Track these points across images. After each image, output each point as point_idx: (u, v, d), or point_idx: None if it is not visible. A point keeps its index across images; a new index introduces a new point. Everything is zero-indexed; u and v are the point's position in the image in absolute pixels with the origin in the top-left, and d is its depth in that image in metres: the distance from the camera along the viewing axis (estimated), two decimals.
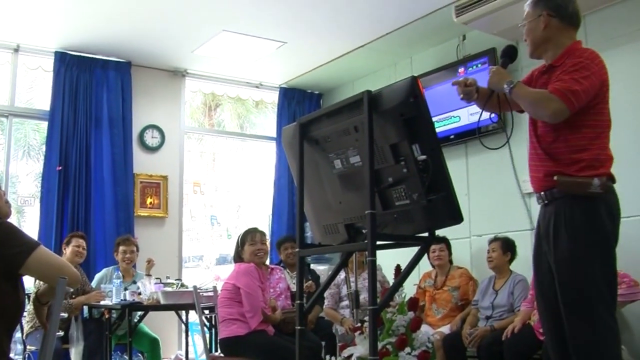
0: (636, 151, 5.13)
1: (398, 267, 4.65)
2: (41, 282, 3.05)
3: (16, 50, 6.95)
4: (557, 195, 3.14)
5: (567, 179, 3.09)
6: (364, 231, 2.77)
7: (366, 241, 2.50)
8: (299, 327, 2.89)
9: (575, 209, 3.08)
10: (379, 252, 2.54)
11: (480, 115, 3.47)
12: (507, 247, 5.59)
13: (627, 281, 4.59)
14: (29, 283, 5.53)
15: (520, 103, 3.21)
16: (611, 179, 3.14)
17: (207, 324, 5.89)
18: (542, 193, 3.23)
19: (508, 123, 6.28)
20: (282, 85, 8.56)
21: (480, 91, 3.37)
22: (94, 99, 7.19)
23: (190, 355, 7.13)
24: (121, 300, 5.67)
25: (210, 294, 5.65)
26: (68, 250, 6.03)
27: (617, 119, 3.27)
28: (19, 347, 5.76)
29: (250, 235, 5.40)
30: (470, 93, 3.35)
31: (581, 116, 3.09)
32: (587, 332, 3.01)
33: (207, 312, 5.86)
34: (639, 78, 5.24)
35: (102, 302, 5.88)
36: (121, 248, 6.40)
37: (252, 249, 5.34)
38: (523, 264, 5.51)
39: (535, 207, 3.44)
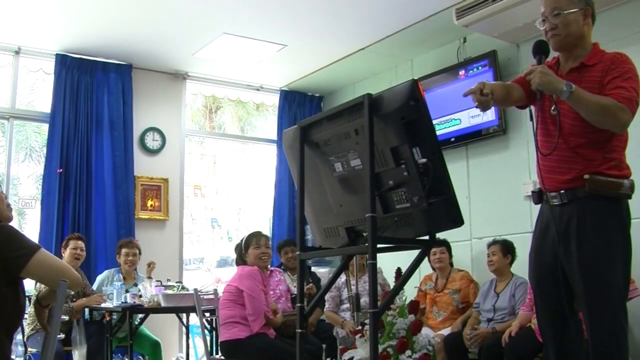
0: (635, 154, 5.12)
1: (399, 270, 4.65)
2: (42, 285, 3.05)
3: (17, 52, 6.95)
4: (581, 195, 3.06)
5: (599, 178, 3.02)
6: (364, 234, 2.77)
7: (367, 244, 2.50)
8: (299, 331, 2.89)
9: (602, 209, 3.04)
10: (379, 255, 2.54)
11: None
12: (507, 249, 5.60)
13: None
14: (30, 285, 5.54)
15: (581, 108, 3.00)
16: (633, 183, 3.13)
17: (208, 326, 5.90)
18: (562, 192, 3.11)
19: (508, 126, 6.31)
20: (283, 88, 8.56)
21: (495, 97, 3.13)
22: (94, 102, 7.19)
23: (191, 358, 7.14)
24: (122, 302, 5.68)
25: (211, 296, 5.66)
26: (66, 255, 6.01)
27: None
28: (20, 349, 5.75)
29: (255, 239, 5.41)
30: (486, 102, 3.12)
31: None
32: (613, 331, 2.99)
33: (207, 314, 5.87)
34: None
35: (103, 305, 5.88)
36: (124, 250, 6.39)
37: (257, 252, 5.35)
38: (524, 266, 5.52)
39: (536, 210, 3.42)
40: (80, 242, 6.15)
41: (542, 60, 3.14)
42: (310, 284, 6.32)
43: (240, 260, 5.47)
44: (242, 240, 5.52)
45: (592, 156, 3.05)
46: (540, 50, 3.17)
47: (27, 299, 3.07)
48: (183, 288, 5.98)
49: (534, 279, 3.32)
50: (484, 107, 3.16)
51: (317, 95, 8.81)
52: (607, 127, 3.00)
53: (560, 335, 3.18)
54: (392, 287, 5.78)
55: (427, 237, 2.67)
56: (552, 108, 3.14)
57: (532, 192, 3.33)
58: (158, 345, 6.29)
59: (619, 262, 3.01)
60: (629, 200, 3.12)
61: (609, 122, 2.99)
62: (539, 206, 3.36)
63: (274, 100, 8.65)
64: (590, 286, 3.02)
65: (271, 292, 5.72)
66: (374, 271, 2.48)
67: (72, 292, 2.80)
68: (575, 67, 3.18)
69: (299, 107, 8.63)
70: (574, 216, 3.07)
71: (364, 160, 2.59)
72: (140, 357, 6.43)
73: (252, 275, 5.19)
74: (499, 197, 6.33)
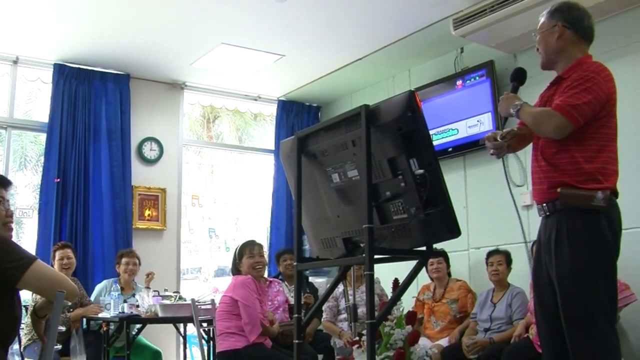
0: (636, 162, 5.13)
1: (396, 281, 4.64)
2: (39, 296, 3.05)
3: (15, 62, 6.96)
4: (560, 207, 3.11)
5: (570, 191, 3.06)
6: (361, 245, 2.77)
7: (364, 255, 2.50)
8: (296, 341, 2.89)
9: (577, 222, 3.06)
10: (377, 266, 2.54)
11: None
12: (509, 260, 5.61)
13: (619, 285, 4.58)
14: (27, 295, 5.52)
15: (526, 122, 3.23)
16: (615, 193, 3.12)
17: (205, 336, 5.88)
18: (545, 205, 3.20)
19: None
20: (281, 98, 8.57)
21: (512, 144, 3.35)
22: (92, 111, 7.19)
23: None
24: (119, 312, 5.67)
25: (209, 306, 5.65)
26: (55, 266, 5.97)
27: (619, 130, 3.26)
28: (17, 359, 5.74)
29: (249, 248, 5.38)
30: (501, 148, 3.31)
31: (586, 128, 3.08)
32: (589, 346, 2.99)
33: (205, 325, 5.85)
34: None
35: (100, 315, 5.87)
36: (124, 260, 6.38)
37: (250, 261, 5.32)
38: (520, 277, 5.52)
39: (532, 220, 3.44)
40: (66, 250, 6.10)
41: (515, 88, 3.39)
42: (308, 294, 6.31)
43: (235, 269, 5.45)
44: (236, 250, 5.50)
45: (564, 167, 3.11)
46: (516, 77, 3.42)
47: (24, 309, 3.07)
48: (180, 298, 5.98)
49: (534, 290, 3.36)
50: (498, 154, 3.34)
51: (315, 105, 8.81)
52: (544, 134, 3.16)
53: (559, 347, 3.17)
54: (389, 297, 5.77)
55: (424, 248, 2.67)
56: None
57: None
58: (159, 354, 6.28)
59: (594, 274, 3.02)
60: (627, 210, 3.13)
61: (542, 129, 3.16)
62: (536, 216, 3.40)
63: (272, 110, 8.66)
64: (563, 299, 3.06)
65: (269, 303, 5.71)
66: (371, 282, 2.49)
67: (69, 303, 2.79)
68: (553, 81, 3.31)
69: (297, 117, 8.64)
70: (553, 229, 3.14)
71: (361, 171, 2.59)
72: None
73: (246, 285, 5.17)
74: (496, 207, 6.32)
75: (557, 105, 3.06)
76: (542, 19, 3.34)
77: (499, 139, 3.28)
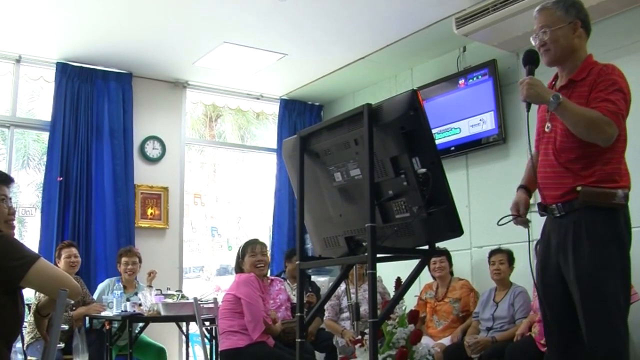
0: (636, 163, 5.12)
1: (398, 280, 4.64)
2: (41, 294, 3.05)
3: (18, 60, 6.96)
4: (577, 207, 3.07)
5: (592, 190, 3.03)
6: (364, 244, 2.77)
7: (366, 254, 2.50)
8: (299, 340, 2.89)
9: (597, 220, 3.04)
10: (379, 264, 2.54)
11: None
12: (511, 259, 5.61)
13: None
14: (30, 293, 5.53)
15: (568, 121, 3.02)
16: (628, 193, 3.12)
17: (208, 335, 5.89)
18: (559, 204, 3.14)
19: (508, 135, 6.32)
20: (283, 97, 8.57)
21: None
22: (95, 110, 7.19)
23: None
24: (122, 311, 5.67)
25: (211, 305, 5.65)
26: (61, 264, 5.98)
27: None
28: (20, 357, 5.74)
29: (251, 247, 5.40)
30: (523, 222, 3.35)
31: None
32: (609, 342, 2.98)
33: (207, 323, 5.86)
34: None
35: (102, 313, 5.87)
36: (123, 259, 6.38)
37: (252, 260, 5.34)
38: (522, 276, 5.51)
39: (535, 219, 3.42)
40: (72, 248, 6.11)
41: (532, 70, 3.19)
42: (310, 293, 6.31)
43: (238, 268, 5.48)
44: (239, 248, 5.53)
45: (584, 170, 3.07)
46: (531, 60, 3.22)
47: (26, 307, 3.07)
48: (183, 297, 5.98)
49: (541, 290, 3.32)
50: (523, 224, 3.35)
51: (317, 104, 8.82)
52: (593, 140, 3.01)
53: (566, 346, 3.17)
54: (392, 295, 5.77)
55: (426, 247, 2.67)
56: (547, 126, 3.21)
57: (538, 204, 3.36)
58: (163, 351, 6.28)
59: (614, 271, 3.01)
60: (631, 209, 3.13)
61: (595, 135, 2.99)
62: (538, 216, 3.37)
63: (274, 109, 8.66)
64: (585, 296, 3.02)
65: (271, 301, 5.72)
66: (373, 281, 2.48)
67: (72, 302, 2.79)
68: (564, 85, 3.21)
69: (299, 115, 8.65)
70: (570, 227, 3.09)
71: (364, 170, 2.59)
72: None
73: (249, 282, 5.18)
74: (499, 206, 6.30)
75: (609, 112, 2.96)
76: (549, 12, 3.22)
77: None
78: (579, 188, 3.05)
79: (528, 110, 3.14)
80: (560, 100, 2.95)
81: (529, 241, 3.30)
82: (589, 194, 3.03)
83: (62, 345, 5.46)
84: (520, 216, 3.31)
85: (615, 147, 3.08)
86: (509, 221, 3.34)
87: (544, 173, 3.21)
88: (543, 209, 3.29)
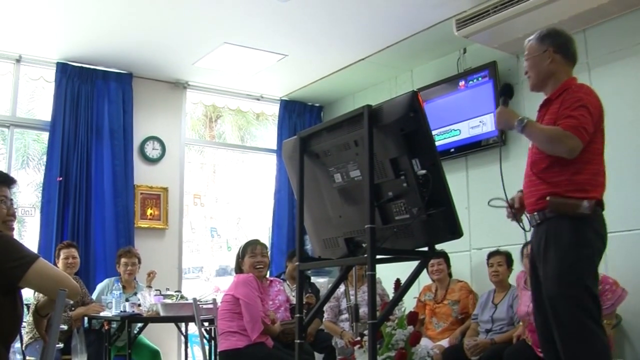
0: (635, 164, 5.13)
1: (398, 281, 4.64)
2: (41, 294, 3.04)
3: (18, 60, 6.96)
4: (549, 216, 3.29)
5: (558, 200, 3.23)
6: (363, 245, 2.77)
7: (366, 255, 2.51)
8: (298, 341, 2.89)
9: (563, 228, 3.23)
10: (378, 266, 2.54)
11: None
12: (510, 261, 5.61)
13: (610, 285, 4.55)
14: (29, 293, 5.52)
15: (534, 140, 3.35)
16: (600, 205, 3.28)
17: (207, 336, 5.88)
18: (535, 214, 3.37)
19: (508, 137, 6.32)
20: (283, 98, 8.57)
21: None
22: (95, 110, 7.19)
23: None
24: (121, 311, 5.67)
25: (210, 305, 5.65)
26: (59, 265, 5.97)
27: (617, 133, 3.31)
28: (18, 357, 5.74)
29: (251, 248, 5.40)
30: (514, 216, 3.59)
31: None
32: (579, 347, 3.10)
33: (206, 324, 5.86)
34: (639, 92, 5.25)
35: (101, 314, 5.87)
36: (122, 260, 6.37)
37: (252, 261, 5.33)
38: None
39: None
40: (71, 249, 6.11)
41: (505, 101, 3.53)
42: (310, 294, 6.31)
43: (238, 268, 5.47)
44: (239, 249, 5.53)
45: (556, 180, 3.28)
46: (503, 91, 3.62)
47: (25, 307, 3.07)
48: (182, 297, 5.97)
49: (532, 295, 3.51)
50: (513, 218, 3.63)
51: (317, 105, 8.82)
52: (558, 153, 3.25)
53: (556, 350, 3.23)
54: (391, 297, 5.77)
55: (426, 249, 2.68)
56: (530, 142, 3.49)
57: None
58: (157, 354, 6.27)
59: (578, 276, 3.15)
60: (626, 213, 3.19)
61: (558, 149, 3.25)
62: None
63: (274, 109, 8.66)
64: (550, 300, 3.20)
65: (270, 302, 5.71)
66: (372, 282, 2.49)
67: (71, 302, 2.78)
68: (543, 103, 3.49)
69: (299, 116, 8.64)
70: (543, 235, 3.32)
71: (364, 171, 2.59)
72: None
73: (248, 282, 5.17)
74: (498, 208, 6.30)
75: (569, 126, 3.19)
76: (531, 43, 3.51)
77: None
78: (548, 197, 3.26)
79: (501, 137, 3.51)
80: (524, 123, 3.30)
81: (526, 244, 3.42)
82: (554, 204, 3.25)
83: (61, 345, 5.45)
84: (512, 209, 3.57)
85: (586, 157, 3.26)
86: (500, 206, 3.63)
87: (525, 183, 3.51)
88: (528, 218, 3.50)
